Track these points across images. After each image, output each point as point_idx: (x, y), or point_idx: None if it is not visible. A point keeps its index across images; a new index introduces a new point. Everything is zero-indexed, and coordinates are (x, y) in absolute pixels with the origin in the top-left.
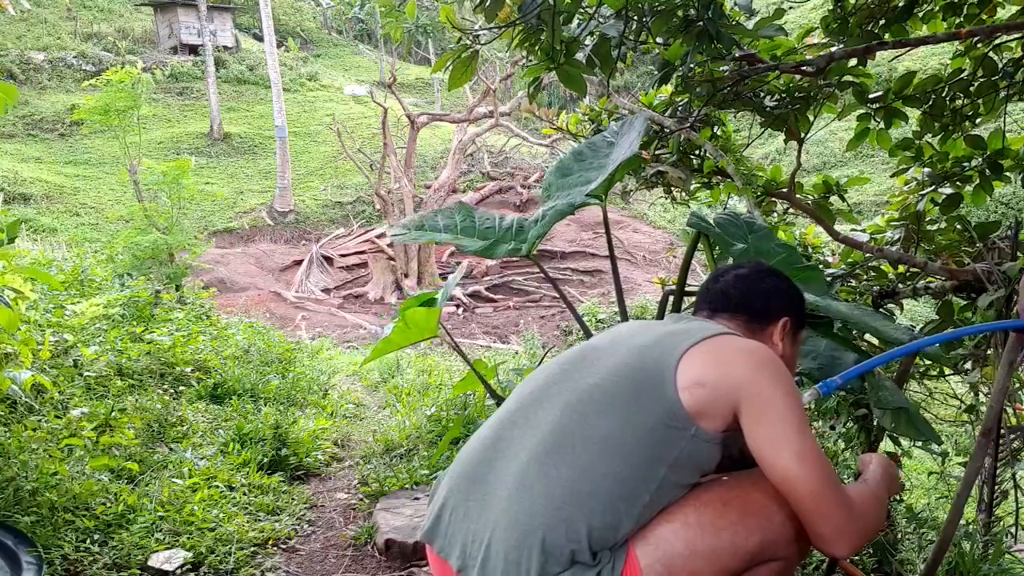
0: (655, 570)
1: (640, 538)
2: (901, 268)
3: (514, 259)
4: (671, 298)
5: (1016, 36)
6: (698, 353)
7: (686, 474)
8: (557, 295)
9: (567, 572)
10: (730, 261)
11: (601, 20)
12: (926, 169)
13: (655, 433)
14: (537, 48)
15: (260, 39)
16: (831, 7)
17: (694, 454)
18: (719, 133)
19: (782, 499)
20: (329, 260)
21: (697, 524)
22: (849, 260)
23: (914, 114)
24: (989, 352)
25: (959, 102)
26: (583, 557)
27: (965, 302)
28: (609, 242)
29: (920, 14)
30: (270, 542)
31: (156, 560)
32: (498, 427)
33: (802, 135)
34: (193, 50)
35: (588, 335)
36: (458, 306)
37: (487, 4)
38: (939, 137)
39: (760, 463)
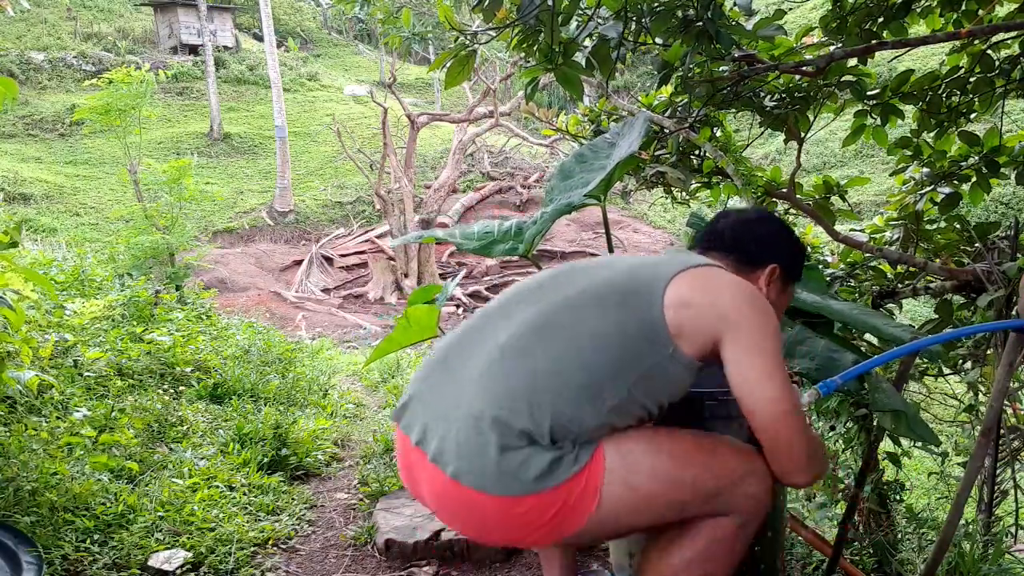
0: (617, 475)
1: (611, 443)
2: (900, 268)
3: (514, 259)
4: None
5: (1015, 35)
6: (688, 277)
7: (655, 390)
8: None
9: (527, 449)
10: None
11: (600, 21)
12: (924, 169)
13: (634, 342)
14: (535, 49)
15: (260, 39)
16: (830, 7)
17: (667, 372)
18: (718, 134)
19: (749, 458)
20: (329, 260)
21: (668, 453)
22: (848, 260)
23: (911, 111)
24: (989, 352)
25: (956, 99)
26: (542, 440)
27: (965, 302)
28: (609, 242)
29: (918, 10)
30: (270, 542)
31: (156, 560)
32: (476, 320)
33: (802, 135)
34: (193, 50)
35: None
36: (458, 306)
37: (485, 4)
38: (934, 133)
39: (736, 389)
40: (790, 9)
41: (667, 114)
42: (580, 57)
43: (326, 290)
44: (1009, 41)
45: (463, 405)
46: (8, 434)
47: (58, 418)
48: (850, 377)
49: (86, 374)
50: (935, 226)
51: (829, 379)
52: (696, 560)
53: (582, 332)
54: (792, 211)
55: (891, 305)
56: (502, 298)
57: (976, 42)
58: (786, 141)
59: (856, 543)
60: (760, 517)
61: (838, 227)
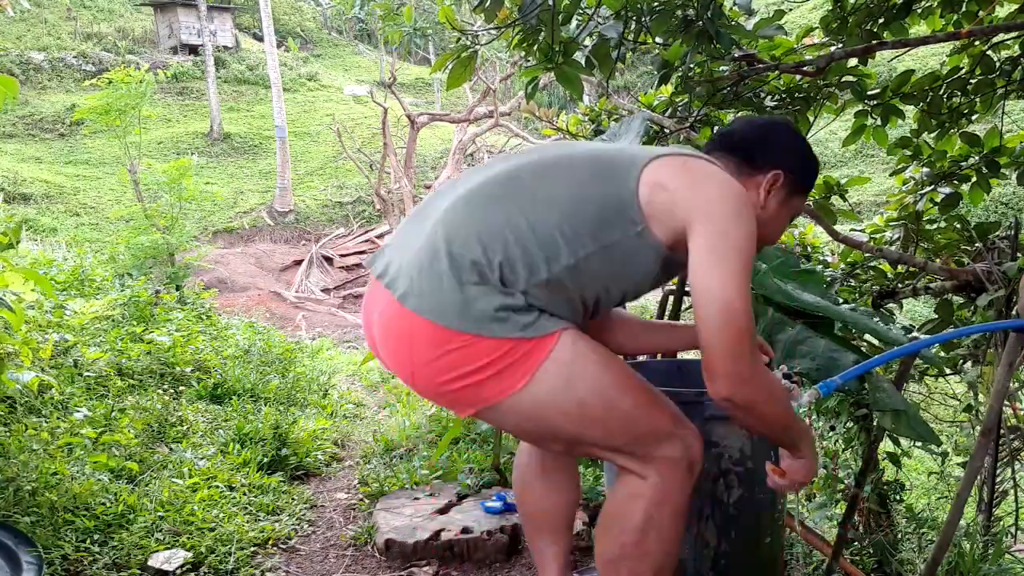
0: (559, 366)
1: (569, 335)
2: (900, 268)
3: None
4: (671, 298)
5: (1015, 35)
6: (671, 161)
7: (615, 270)
8: None
9: (478, 287)
10: None
11: (600, 21)
12: (924, 169)
13: (602, 211)
14: (536, 49)
15: (260, 39)
16: (830, 7)
17: (630, 252)
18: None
19: (684, 426)
20: (329, 260)
21: (615, 377)
22: (848, 260)
23: (912, 112)
24: (989, 352)
25: (956, 100)
26: (491, 276)
27: (964, 302)
28: None
29: (918, 10)
30: (270, 542)
31: (156, 560)
32: (459, 177)
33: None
34: (193, 50)
35: None
36: None
37: (486, 4)
38: (935, 134)
39: (690, 279)
40: (790, 9)
41: (667, 114)
42: (580, 56)
43: (326, 290)
44: (1009, 42)
45: (423, 238)
46: (8, 434)
47: (58, 418)
48: (850, 377)
49: (86, 374)
50: (935, 226)
51: (829, 379)
52: (630, 543)
53: (549, 190)
54: None
55: (891, 305)
56: (489, 161)
57: (976, 43)
58: None
59: (856, 543)
60: (678, 491)
61: (838, 227)
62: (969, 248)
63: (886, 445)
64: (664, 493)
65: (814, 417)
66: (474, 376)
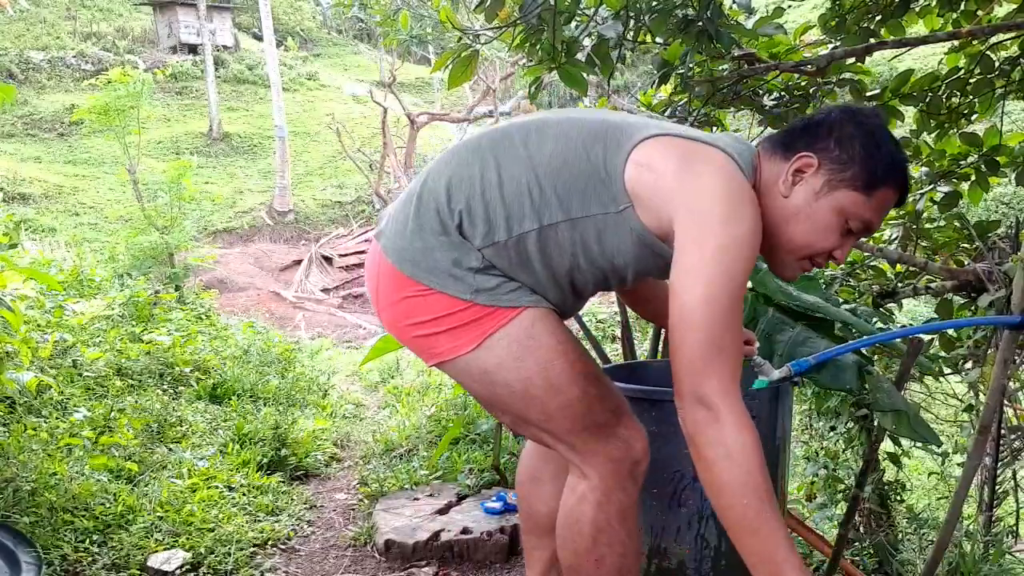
0: (512, 341)
1: (531, 313)
2: (900, 268)
3: None
4: None
5: (1014, 35)
6: (666, 142)
7: (587, 247)
8: None
9: (441, 236)
10: None
11: (600, 21)
12: (923, 168)
13: (584, 182)
14: (538, 48)
15: (259, 38)
16: (829, 5)
17: (607, 228)
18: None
19: (632, 425)
20: (328, 260)
21: (569, 363)
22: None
23: (911, 112)
24: (990, 352)
25: (956, 100)
26: (451, 221)
27: (965, 301)
28: None
29: (916, 8)
30: (269, 542)
31: (155, 560)
32: None
33: None
34: (192, 49)
35: (589, 336)
36: None
37: (487, 4)
38: (935, 134)
39: (671, 274)
40: (789, 7)
41: (667, 114)
42: (581, 56)
43: (325, 290)
44: (1008, 42)
45: (404, 194)
46: (7, 434)
47: (57, 418)
48: (824, 358)
49: (85, 374)
50: (934, 225)
51: (802, 359)
52: (583, 551)
53: (536, 148)
54: None
55: (891, 305)
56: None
57: (975, 42)
58: None
59: (856, 543)
60: (620, 491)
61: None
62: (969, 247)
63: (887, 445)
64: (605, 493)
65: (814, 417)
66: (428, 327)
